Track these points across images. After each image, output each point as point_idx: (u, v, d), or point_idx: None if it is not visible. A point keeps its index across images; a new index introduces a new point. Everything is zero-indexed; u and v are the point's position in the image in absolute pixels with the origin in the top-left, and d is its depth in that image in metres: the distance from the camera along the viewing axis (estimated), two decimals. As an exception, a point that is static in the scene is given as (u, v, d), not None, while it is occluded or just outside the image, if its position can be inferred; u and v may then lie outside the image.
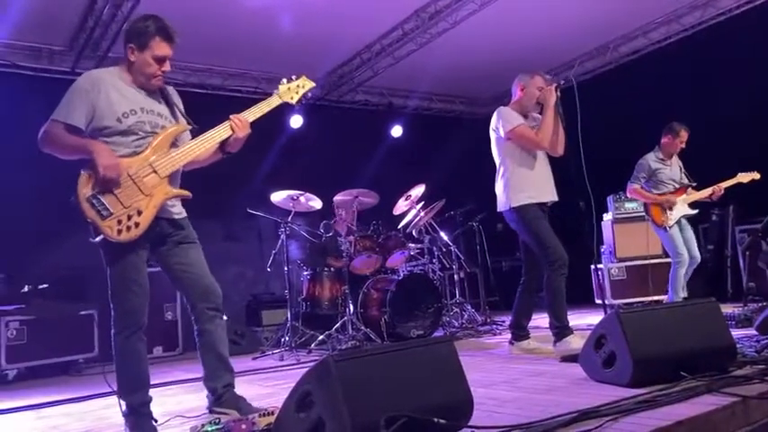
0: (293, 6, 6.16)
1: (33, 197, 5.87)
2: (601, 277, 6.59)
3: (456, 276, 6.64)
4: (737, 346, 2.78)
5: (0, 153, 5.84)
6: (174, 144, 2.67)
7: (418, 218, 6.03)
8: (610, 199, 6.90)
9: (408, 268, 6.14)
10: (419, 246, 6.31)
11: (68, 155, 2.54)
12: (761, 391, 2.22)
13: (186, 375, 4.41)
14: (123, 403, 2.58)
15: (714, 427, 2.02)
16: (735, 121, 6.29)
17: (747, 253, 5.95)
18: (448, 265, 6.57)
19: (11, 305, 5.22)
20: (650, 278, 6.50)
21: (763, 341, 3.25)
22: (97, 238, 2.43)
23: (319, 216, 6.27)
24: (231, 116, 2.74)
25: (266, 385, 3.80)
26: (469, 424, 2.03)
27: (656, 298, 6.17)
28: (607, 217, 6.93)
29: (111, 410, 3.29)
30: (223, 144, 2.76)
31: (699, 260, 5.23)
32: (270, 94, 3.01)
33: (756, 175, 5.26)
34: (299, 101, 3.01)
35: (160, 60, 2.62)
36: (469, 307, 6.55)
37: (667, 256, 5.59)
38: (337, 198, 5.93)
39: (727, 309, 4.11)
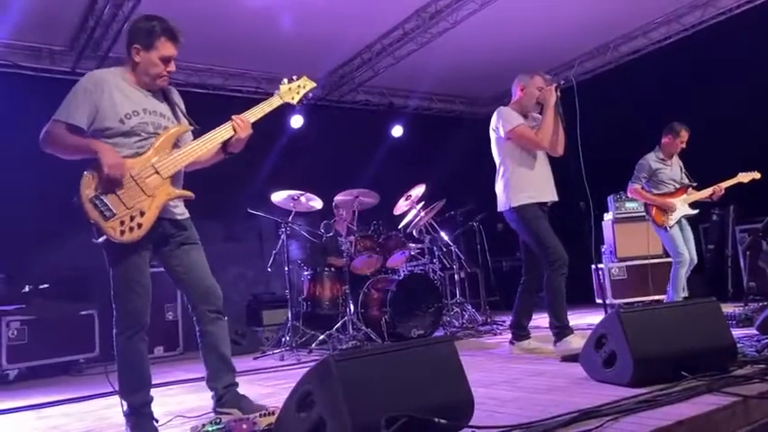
0: (294, 6, 6.16)
1: (34, 197, 5.88)
2: (601, 277, 6.59)
3: (456, 276, 6.64)
4: (738, 345, 2.77)
5: (1, 153, 5.84)
6: (176, 145, 2.67)
7: (419, 218, 6.03)
8: (610, 199, 6.90)
9: (409, 268, 6.14)
10: (419, 246, 6.31)
11: (70, 155, 2.54)
12: (761, 391, 2.22)
13: (187, 375, 4.41)
14: (125, 403, 2.58)
15: (715, 427, 2.03)
16: (735, 121, 6.29)
17: (748, 253, 5.95)
18: (448, 265, 6.57)
19: (12, 305, 5.22)
20: (650, 278, 6.50)
21: (764, 341, 3.25)
22: (100, 239, 2.43)
23: (320, 216, 6.28)
24: (233, 117, 2.74)
25: (267, 385, 3.81)
26: (470, 424, 2.03)
27: (656, 298, 6.17)
28: (608, 217, 6.93)
29: (111, 410, 3.29)
30: (225, 144, 2.76)
31: (695, 262, 5.23)
32: (271, 94, 3.01)
33: (757, 175, 5.26)
34: (300, 101, 3.01)
35: (166, 60, 2.63)
36: (470, 307, 6.54)
37: (668, 255, 5.59)
38: (338, 198, 5.93)
39: (727, 308, 4.11)
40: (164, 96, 2.75)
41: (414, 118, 9.00)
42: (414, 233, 6.28)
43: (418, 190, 5.98)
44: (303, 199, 5.68)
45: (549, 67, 7.96)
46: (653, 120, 5.61)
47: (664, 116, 5.51)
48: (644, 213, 5.57)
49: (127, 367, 2.59)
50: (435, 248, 6.41)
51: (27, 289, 5.46)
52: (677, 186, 5.34)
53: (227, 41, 6.67)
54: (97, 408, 3.54)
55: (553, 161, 4.13)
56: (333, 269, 5.70)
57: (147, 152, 2.56)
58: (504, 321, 5.93)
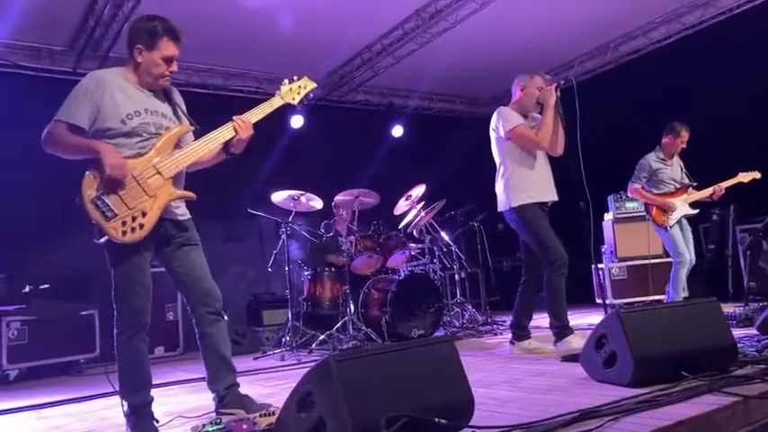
0: (294, 6, 6.16)
1: (34, 197, 5.88)
2: (601, 277, 6.59)
3: (457, 276, 6.64)
4: (738, 345, 2.77)
5: (1, 153, 5.84)
6: (178, 145, 2.67)
7: (419, 218, 6.03)
8: (610, 198, 6.90)
9: (409, 268, 6.14)
10: (420, 246, 6.31)
11: (72, 155, 2.54)
12: (762, 391, 2.22)
13: (187, 375, 4.42)
14: (125, 403, 2.58)
15: (715, 427, 2.02)
16: (735, 120, 6.29)
17: (748, 252, 5.95)
18: (449, 265, 6.57)
19: (12, 305, 5.22)
20: (651, 278, 6.49)
21: (764, 341, 3.25)
22: (102, 240, 2.43)
23: (320, 216, 6.28)
24: (234, 117, 2.74)
25: (267, 385, 3.81)
26: (470, 424, 2.03)
27: (656, 298, 6.17)
28: (608, 216, 6.93)
29: (112, 411, 3.29)
30: (227, 145, 2.77)
31: (694, 262, 5.23)
32: (271, 94, 3.01)
33: (757, 175, 5.26)
34: (301, 101, 3.01)
35: (168, 60, 2.63)
36: (470, 307, 6.54)
37: (668, 255, 5.59)
38: (338, 198, 5.93)
39: (727, 308, 4.11)
40: (165, 96, 2.75)
41: (414, 118, 9.00)
42: (414, 233, 6.28)
43: (418, 190, 5.98)
44: (303, 199, 5.68)
45: (549, 67, 7.96)
46: (653, 120, 5.61)
47: (664, 116, 5.51)
48: (644, 213, 5.57)
49: (127, 367, 2.59)
50: (436, 248, 6.41)
51: (27, 289, 5.46)
52: (677, 186, 5.35)
53: (227, 41, 6.67)
54: (98, 408, 3.54)
55: (553, 161, 4.13)
56: (333, 269, 5.70)
57: (148, 152, 2.56)
58: (504, 321, 5.92)
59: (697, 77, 6.78)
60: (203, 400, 3.24)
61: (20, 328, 5.11)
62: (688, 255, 5.15)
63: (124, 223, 2.44)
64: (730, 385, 2.31)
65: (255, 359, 5.21)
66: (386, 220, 6.07)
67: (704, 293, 5.56)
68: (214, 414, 2.66)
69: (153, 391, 2.67)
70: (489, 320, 6.24)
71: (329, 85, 8.17)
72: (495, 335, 5.48)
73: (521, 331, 4.15)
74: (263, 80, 7.75)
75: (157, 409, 2.68)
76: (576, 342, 3.62)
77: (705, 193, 5.29)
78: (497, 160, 4.14)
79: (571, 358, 3.38)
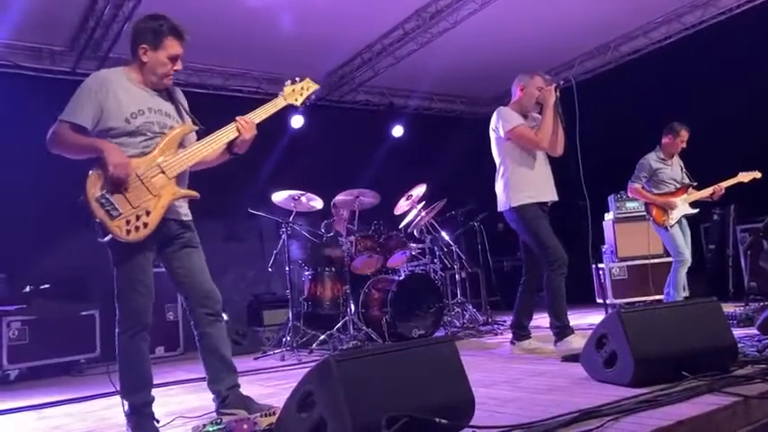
0: (294, 6, 6.16)
1: (35, 197, 5.88)
2: (602, 277, 6.59)
3: (457, 276, 6.64)
4: (739, 345, 2.77)
5: (1, 153, 5.84)
6: (182, 144, 2.68)
7: (419, 218, 6.03)
8: (611, 198, 6.90)
9: (409, 268, 6.14)
10: (420, 245, 6.31)
11: (76, 154, 2.55)
12: (762, 391, 2.22)
13: (188, 375, 4.42)
14: (126, 403, 2.58)
15: (716, 427, 2.03)
16: (735, 120, 6.29)
17: (749, 252, 5.95)
18: (449, 265, 6.57)
19: (12, 305, 5.22)
20: (651, 278, 6.49)
21: (765, 341, 3.25)
22: (106, 238, 2.44)
23: (320, 216, 6.28)
24: (237, 118, 2.74)
25: (267, 385, 3.81)
26: (471, 424, 2.03)
27: (657, 297, 6.17)
28: (608, 216, 6.93)
29: (112, 411, 3.30)
30: (231, 145, 2.77)
31: (690, 262, 5.23)
32: (271, 94, 3.01)
33: (757, 175, 5.26)
34: (304, 102, 3.01)
35: (173, 59, 2.64)
36: (471, 307, 6.54)
37: (668, 255, 5.59)
38: (338, 198, 5.93)
39: (728, 308, 4.12)
40: (168, 96, 2.75)
41: (414, 118, 9.00)
42: (414, 233, 6.29)
43: (419, 190, 5.98)
44: (304, 199, 5.68)
45: (549, 66, 7.96)
46: (653, 120, 5.61)
47: (664, 116, 5.51)
48: (644, 213, 5.57)
49: (128, 367, 2.59)
50: (436, 248, 6.41)
51: (28, 289, 5.46)
52: (678, 186, 5.35)
53: (227, 41, 6.67)
54: (98, 408, 3.54)
55: (553, 161, 4.13)
56: (333, 269, 5.70)
57: (152, 152, 2.56)
58: (504, 321, 5.93)
59: (697, 77, 6.78)
60: (204, 400, 3.24)
61: (20, 328, 5.11)
62: (688, 254, 5.16)
63: (128, 222, 2.44)
64: (731, 385, 2.32)
65: (256, 359, 5.21)
66: (386, 220, 6.08)
67: (705, 293, 5.56)
68: (215, 414, 2.66)
69: (153, 391, 2.67)
70: (490, 320, 6.24)
71: (329, 85, 8.17)
72: (496, 335, 5.48)
73: (521, 331, 4.15)
74: (262, 80, 7.75)
75: (158, 409, 2.68)
76: (577, 342, 3.63)
77: (705, 192, 5.29)
78: (497, 160, 4.14)
79: (571, 358, 3.38)
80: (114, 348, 2.61)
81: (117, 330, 2.59)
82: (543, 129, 3.93)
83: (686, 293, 5.18)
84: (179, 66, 2.68)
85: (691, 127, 5.33)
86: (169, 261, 2.69)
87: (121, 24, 5.77)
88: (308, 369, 2.00)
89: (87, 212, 2.41)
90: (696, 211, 5.31)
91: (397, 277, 5.54)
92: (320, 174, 7.10)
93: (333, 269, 5.71)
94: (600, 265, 6.62)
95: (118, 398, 2.61)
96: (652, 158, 5.35)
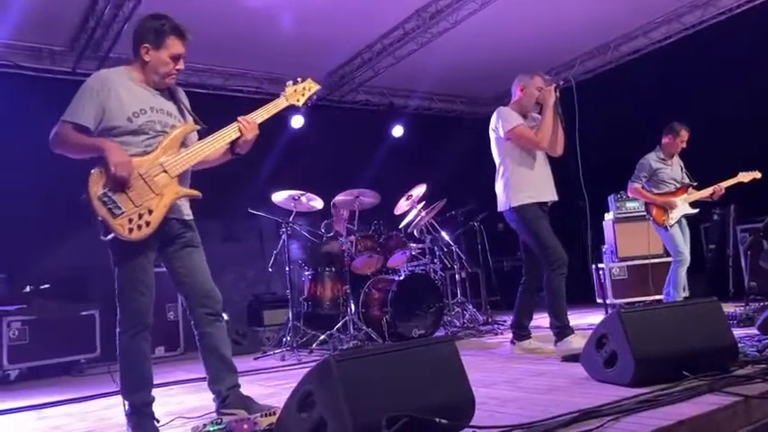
0: (294, 6, 6.16)
1: (35, 197, 5.89)
2: (602, 277, 6.59)
3: (457, 276, 6.64)
4: (739, 345, 2.77)
5: (2, 153, 5.84)
6: (184, 144, 2.68)
7: (419, 218, 6.03)
8: (611, 198, 6.90)
9: (410, 268, 6.14)
10: (420, 245, 6.31)
11: (78, 154, 2.55)
12: (762, 391, 2.22)
13: (188, 375, 4.42)
14: (126, 403, 2.58)
15: (716, 427, 2.03)
16: (735, 121, 6.29)
17: (749, 252, 5.95)
18: (449, 265, 6.57)
19: (12, 305, 5.22)
20: (651, 278, 6.49)
21: (765, 341, 3.25)
22: (108, 237, 2.44)
23: (320, 216, 6.28)
24: (239, 118, 2.74)
25: (268, 385, 3.81)
26: (471, 424, 2.03)
27: (657, 297, 6.17)
28: (608, 216, 6.93)
29: (113, 411, 3.30)
30: (233, 145, 2.78)
31: (689, 262, 5.23)
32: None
33: (757, 175, 5.26)
34: (306, 103, 3.01)
35: (176, 58, 2.65)
36: (471, 307, 6.54)
37: (668, 255, 5.60)
38: (338, 198, 5.93)
39: (728, 308, 4.12)
40: (170, 95, 2.76)
41: (414, 118, 9.00)
42: (414, 233, 6.29)
43: (419, 190, 5.98)
44: (304, 199, 5.68)
45: (549, 66, 7.97)
46: (653, 120, 5.61)
47: (664, 116, 5.51)
48: (644, 213, 5.57)
49: (129, 367, 2.59)
50: (436, 248, 6.41)
51: (28, 289, 5.46)
52: (678, 186, 5.35)
53: (227, 41, 6.67)
54: (98, 408, 3.54)
55: (553, 161, 4.13)
56: (333, 269, 5.70)
57: (155, 150, 2.57)
58: (504, 321, 5.93)
59: (697, 77, 6.78)
60: (204, 400, 3.24)
61: (20, 328, 5.11)
62: (688, 254, 5.16)
63: (131, 220, 2.44)
64: (731, 385, 2.32)
65: (256, 359, 5.21)
66: (386, 220, 6.08)
67: (705, 293, 5.55)
68: (215, 414, 2.66)
69: (153, 391, 2.67)
70: (490, 320, 6.24)
71: (329, 85, 8.17)
72: (496, 335, 5.48)
73: (521, 331, 4.15)
74: (263, 80, 7.75)
75: (158, 408, 2.68)
76: (577, 342, 3.63)
77: (705, 192, 5.30)
78: (497, 160, 4.14)
79: (571, 358, 3.38)
80: (114, 348, 2.61)
81: (118, 330, 2.59)
82: (543, 129, 3.93)
83: (686, 293, 5.18)
84: (181, 65, 2.69)
85: (691, 127, 5.34)
86: (170, 260, 2.69)
87: (122, 24, 5.77)
88: (308, 369, 2.00)
89: (90, 211, 2.41)
90: (696, 211, 5.31)
91: (397, 277, 5.54)
92: (320, 174, 7.09)
93: (333, 269, 5.70)
94: (600, 265, 6.62)
95: (118, 398, 2.61)
96: (652, 158, 5.36)
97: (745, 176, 5.27)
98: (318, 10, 6.25)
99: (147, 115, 2.59)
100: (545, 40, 7.30)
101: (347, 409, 1.76)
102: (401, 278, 5.45)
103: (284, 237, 5.54)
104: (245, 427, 2.26)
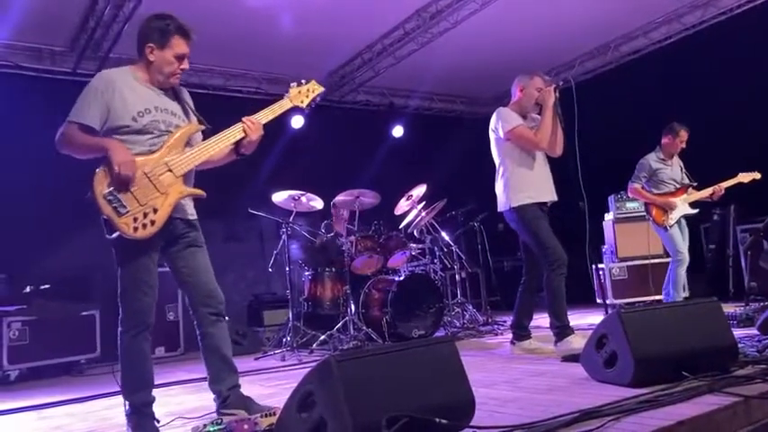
0: (294, 6, 6.16)
1: (35, 197, 5.89)
2: (602, 277, 6.59)
3: (457, 276, 6.64)
4: (739, 345, 2.78)
5: (1, 153, 5.84)
6: (189, 143, 2.69)
7: (419, 218, 6.04)
8: (611, 199, 6.90)
9: (410, 268, 6.14)
10: (420, 246, 6.31)
11: (84, 154, 2.56)
12: (762, 391, 2.22)
13: (188, 376, 4.42)
14: (127, 403, 2.59)
15: (716, 427, 2.03)
16: (735, 121, 6.29)
17: (749, 252, 5.95)
18: (449, 265, 6.57)
19: (13, 306, 5.22)
20: (651, 278, 6.50)
21: (765, 341, 3.25)
22: (113, 235, 2.44)
23: (321, 216, 6.29)
24: (243, 118, 2.75)
25: (268, 385, 3.81)
26: (471, 424, 2.03)
27: (656, 298, 6.17)
28: (608, 217, 6.93)
29: (113, 411, 3.30)
30: (238, 146, 2.78)
31: (688, 261, 5.23)
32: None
33: (757, 175, 5.26)
34: (309, 105, 3.02)
35: (180, 58, 2.66)
36: (471, 307, 6.54)
37: (668, 255, 5.60)
38: (338, 198, 5.93)
39: (728, 308, 4.11)
40: (174, 95, 2.77)
41: (414, 118, 9.00)
42: (415, 233, 6.29)
43: (419, 190, 5.98)
44: (304, 199, 5.68)
45: (549, 67, 7.97)
46: (653, 120, 5.62)
47: (664, 116, 5.52)
48: (644, 213, 5.58)
49: (129, 366, 2.60)
50: (436, 248, 6.40)
51: (28, 289, 5.46)
52: (677, 186, 5.36)
53: (227, 41, 6.66)
54: (99, 408, 3.54)
55: (553, 161, 4.13)
56: (333, 269, 5.70)
57: (160, 150, 2.58)
58: (505, 321, 5.92)
59: (697, 77, 6.78)
60: (204, 400, 3.24)
61: (21, 328, 5.11)
62: (687, 254, 5.17)
63: (136, 219, 2.45)
64: (731, 385, 2.32)
65: (256, 359, 5.21)
66: (386, 220, 6.08)
67: (705, 293, 5.55)
68: (215, 414, 2.66)
69: (154, 392, 2.67)
70: (490, 320, 6.24)
71: (330, 85, 8.17)
72: (496, 335, 5.48)
73: (521, 331, 4.15)
74: (262, 80, 7.75)
75: (158, 409, 2.68)
76: (577, 342, 3.63)
77: (705, 193, 5.30)
78: (497, 161, 4.14)
79: (571, 358, 3.38)
80: (114, 348, 2.61)
81: (120, 330, 2.59)
82: (542, 129, 3.93)
83: (686, 294, 5.19)
84: (185, 65, 2.70)
85: (691, 127, 5.34)
86: (173, 260, 2.70)
87: (122, 25, 5.76)
88: (309, 369, 2.01)
89: (94, 209, 2.42)
90: (696, 211, 5.32)
91: (397, 277, 5.54)
92: (320, 174, 7.09)
93: (333, 269, 5.71)
94: (600, 266, 6.62)
95: (119, 398, 2.61)
96: (652, 159, 5.36)
97: (744, 177, 5.28)
98: (318, 10, 6.25)
99: (152, 115, 2.60)
100: (545, 40, 7.30)
101: (347, 410, 1.77)
102: (401, 278, 5.45)
103: (284, 237, 5.54)
104: (246, 427, 2.27)
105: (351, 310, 5.34)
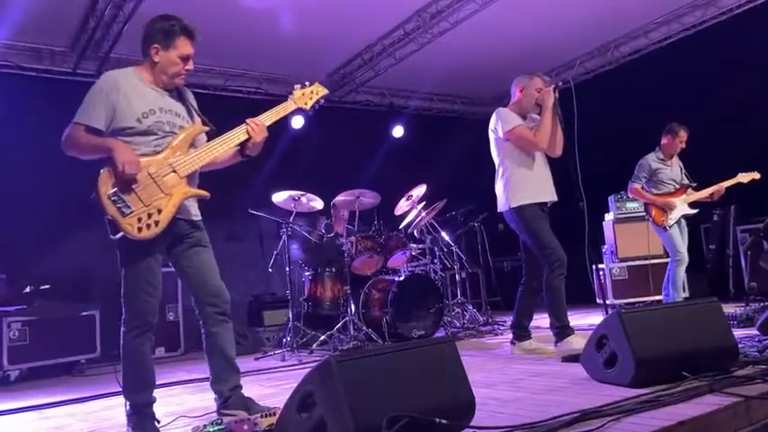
0: (294, 6, 6.16)
1: (35, 197, 5.89)
2: (602, 277, 6.59)
3: (457, 276, 6.64)
4: (739, 346, 2.78)
5: (2, 153, 5.84)
6: (193, 144, 2.69)
7: (419, 218, 6.03)
8: (611, 199, 6.90)
9: (410, 268, 6.14)
10: (420, 246, 6.31)
11: (89, 155, 2.56)
12: (763, 391, 2.22)
13: (188, 376, 4.42)
14: (128, 402, 2.59)
15: (716, 427, 2.03)
16: (735, 120, 6.29)
17: (749, 253, 5.96)
18: (449, 266, 6.57)
19: (13, 306, 5.22)
20: (651, 278, 6.50)
21: (765, 341, 3.25)
22: (117, 236, 2.44)
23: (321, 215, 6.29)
24: (247, 120, 2.75)
25: (268, 386, 3.81)
26: (471, 424, 2.03)
27: (657, 298, 6.17)
28: (608, 217, 6.93)
29: (114, 411, 3.30)
30: (243, 148, 2.78)
31: (687, 261, 5.24)
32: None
33: (756, 176, 5.26)
34: (313, 107, 3.02)
35: (185, 59, 2.67)
36: (471, 307, 6.54)
37: (668, 255, 5.60)
38: (338, 198, 5.93)
39: (728, 309, 4.12)
40: (179, 96, 2.77)
41: (414, 118, 9.00)
42: (415, 233, 6.28)
43: (419, 190, 5.98)
44: (304, 199, 5.68)
45: (549, 67, 7.97)
46: (653, 120, 5.62)
47: (664, 116, 5.52)
48: (644, 213, 5.58)
49: (131, 366, 2.60)
50: (436, 249, 6.40)
51: (28, 289, 5.46)
52: (677, 186, 5.36)
53: (227, 41, 6.66)
54: (99, 408, 3.54)
55: (553, 161, 4.13)
56: (333, 269, 5.70)
57: (164, 151, 2.58)
58: (505, 322, 5.92)
59: (697, 77, 6.78)
60: (204, 400, 3.24)
61: (21, 328, 5.11)
62: (686, 254, 5.18)
63: (140, 219, 2.46)
64: (731, 385, 2.32)
65: (256, 359, 5.20)
66: (386, 220, 6.07)
67: (705, 294, 5.56)
68: (215, 414, 2.66)
69: (154, 392, 2.67)
70: (490, 321, 6.24)
71: (330, 85, 8.15)
72: (496, 335, 5.48)
73: (521, 331, 4.15)
74: (263, 80, 7.75)
75: (158, 409, 2.69)
76: (577, 342, 3.63)
77: (705, 193, 5.30)
78: (496, 161, 4.15)
79: (572, 359, 3.38)
80: (114, 348, 2.61)
81: (123, 330, 2.60)
82: (542, 130, 3.93)
83: (686, 294, 5.19)
84: (190, 65, 2.71)
85: (690, 127, 5.34)
86: (178, 260, 2.71)
87: (122, 25, 5.76)
88: (309, 369, 2.01)
89: (99, 210, 2.42)
90: (695, 211, 5.32)
91: (397, 278, 5.54)
92: (321, 174, 7.09)
93: (333, 269, 5.70)
94: (600, 266, 6.61)
95: (119, 398, 2.62)
96: (652, 159, 5.37)
97: (744, 177, 5.28)
98: (318, 10, 6.25)
99: (156, 116, 2.60)
100: (545, 40, 7.30)
101: (348, 410, 1.77)
102: (401, 278, 5.45)
103: (284, 237, 5.54)
104: (245, 427, 2.27)
105: (351, 310, 5.34)
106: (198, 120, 2.79)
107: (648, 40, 7.56)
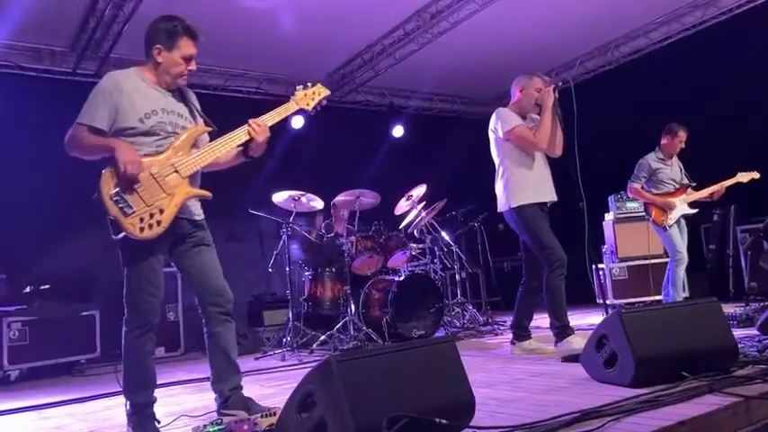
0: (294, 6, 6.16)
1: (35, 197, 5.88)
2: (602, 277, 6.59)
3: (457, 276, 6.64)
4: (739, 346, 2.78)
5: (2, 153, 5.84)
6: (195, 145, 2.70)
7: (419, 218, 6.03)
8: (611, 198, 6.90)
9: (410, 268, 6.14)
10: (420, 246, 6.31)
11: (92, 155, 2.57)
12: (762, 391, 2.23)
13: (188, 376, 4.42)
14: (128, 402, 2.59)
15: (716, 427, 2.03)
16: (735, 120, 6.29)
17: (749, 253, 5.96)
18: (449, 265, 6.57)
19: (13, 306, 5.23)
20: (651, 278, 6.50)
21: (765, 341, 3.25)
22: (119, 236, 2.44)
23: (321, 216, 6.29)
24: (249, 121, 2.75)
25: (268, 386, 3.81)
26: (471, 424, 2.03)
27: (656, 298, 6.17)
28: (608, 216, 6.93)
29: (114, 411, 3.30)
30: (245, 149, 2.78)
31: (687, 261, 5.24)
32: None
33: (756, 175, 5.27)
34: (315, 108, 3.02)
35: (188, 59, 2.68)
36: (471, 307, 6.54)
37: (668, 255, 5.61)
38: (338, 198, 5.94)
39: (728, 309, 4.12)
40: (181, 96, 2.77)
41: (414, 118, 9.00)
42: (415, 233, 6.28)
43: (419, 190, 5.98)
44: (304, 199, 5.68)
45: (549, 67, 7.97)
46: (653, 120, 5.62)
47: (664, 116, 5.52)
48: (644, 213, 5.58)
49: (132, 366, 2.60)
50: (436, 248, 6.40)
51: (28, 289, 5.46)
52: (677, 186, 5.36)
53: (227, 41, 6.65)
54: (99, 408, 3.54)
55: (553, 161, 4.13)
56: (333, 269, 5.70)
57: (166, 151, 2.59)
58: (505, 321, 5.92)
59: (697, 77, 6.78)
60: (204, 400, 3.25)
61: (21, 328, 5.11)
62: (686, 254, 5.18)
63: (142, 219, 2.46)
64: (731, 385, 2.32)
65: (256, 359, 5.20)
66: (386, 220, 6.07)
67: (705, 293, 5.55)
68: (215, 414, 2.66)
69: (155, 392, 2.67)
70: (490, 321, 6.24)
71: (330, 85, 8.13)
72: (496, 335, 5.48)
73: (521, 331, 4.15)
74: (263, 80, 7.74)
75: (158, 409, 2.69)
76: (577, 342, 3.63)
77: (704, 193, 5.31)
78: (496, 161, 4.15)
79: (572, 358, 3.39)
80: (114, 348, 2.61)
81: (124, 329, 2.60)
82: (542, 130, 3.93)
83: (686, 294, 5.19)
84: (193, 66, 2.72)
85: (690, 127, 5.35)
86: (180, 260, 2.71)
87: (122, 25, 5.76)
88: (309, 369, 2.01)
89: (101, 210, 2.42)
90: (695, 211, 5.32)
91: (397, 277, 5.54)
92: (320, 174, 7.09)
93: (333, 269, 5.70)
94: (600, 266, 6.61)
95: (119, 398, 2.62)
96: (651, 159, 5.37)
97: (743, 177, 5.28)
98: (318, 10, 6.25)
99: (159, 116, 2.61)
100: (545, 40, 7.30)
101: (348, 410, 1.77)
102: (401, 278, 5.45)
103: (284, 237, 5.54)
104: (245, 427, 2.27)
105: (351, 310, 5.34)
106: (200, 120, 2.80)
107: (648, 40, 7.57)
